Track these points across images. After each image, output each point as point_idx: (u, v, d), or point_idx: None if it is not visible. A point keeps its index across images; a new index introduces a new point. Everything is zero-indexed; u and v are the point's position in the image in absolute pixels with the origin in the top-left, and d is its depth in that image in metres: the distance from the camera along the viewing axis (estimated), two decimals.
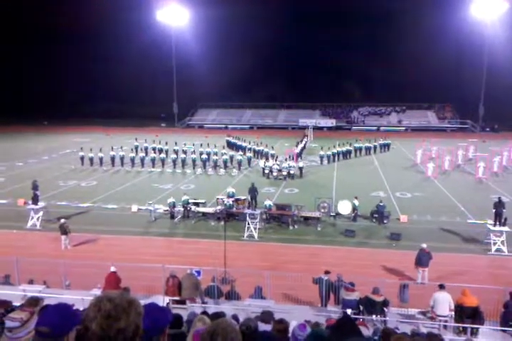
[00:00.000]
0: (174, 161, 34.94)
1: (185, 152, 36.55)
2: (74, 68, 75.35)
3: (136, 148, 38.67)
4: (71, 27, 70.23)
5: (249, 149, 39.02)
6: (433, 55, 65.76)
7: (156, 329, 2.28)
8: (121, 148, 36.63)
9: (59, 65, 75.57)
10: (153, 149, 38.37)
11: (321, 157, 37.20)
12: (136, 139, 40.93)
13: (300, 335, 4.24)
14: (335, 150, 38.10)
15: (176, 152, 36.13)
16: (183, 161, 35.02)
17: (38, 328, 2.17)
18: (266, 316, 6.92)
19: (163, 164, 35.06)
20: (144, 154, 36.27)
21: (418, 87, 68.92)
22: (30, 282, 13.93)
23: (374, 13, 67.91)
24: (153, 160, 35.43)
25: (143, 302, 2.16)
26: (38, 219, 21.33)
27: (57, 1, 74.19)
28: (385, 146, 43.85)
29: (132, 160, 35.35)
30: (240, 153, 36.34)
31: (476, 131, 60.66)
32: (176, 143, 37.95)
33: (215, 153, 35.93)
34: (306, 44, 71.62)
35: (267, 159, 34.03)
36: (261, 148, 38.26)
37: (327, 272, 13.08)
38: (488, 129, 61.35)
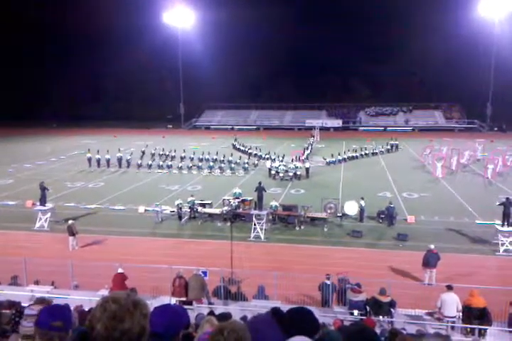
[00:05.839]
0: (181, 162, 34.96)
1: (192, 153, 36.39)
2: (81, 70, 75.72)
3: (143, 153, 38.40)
4: (78, 29, 70.77)
5: (255, 155, 38.81)
6: (440, 54, 65.51)
7: (169, 332, 2.26)
8: (131, 154, 36.72)
9: (66, 67, 76.01)
10: (160, 155, 38.28)
11: (327, 163, 36.75)
12: (146, 146, 41.04)
13: None
14: (340, 157, 37.81)
15: (182, 158, 36.15)
16: (190, 162, 35.01)
17: (52, 323, 2.21)
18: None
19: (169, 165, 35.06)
20: (151, 161, 35.59)
21: (425, 86, 68.69)
22: (36, 283, 13.99)
23: (381, 14, 67.73)
24: (160, 165, 35.07)
25: (153, 303, 2.15)
26: (45, 220, 21.48)
27: (66, 3, 74.81)
28: (393, 147, 43.64)
29: (139, 163, 35.29)
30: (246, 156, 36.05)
31: (484, 131, 60.29)
32: (184, 151, 37.63)
33: (222, 154, 35.87)
34: (312, 45, 71.47)
35: (274, 160, 34.00)
36: (267, 156, 37.62)
37: (328, 275, 13.07)
38: (496, 129, 60.99)
